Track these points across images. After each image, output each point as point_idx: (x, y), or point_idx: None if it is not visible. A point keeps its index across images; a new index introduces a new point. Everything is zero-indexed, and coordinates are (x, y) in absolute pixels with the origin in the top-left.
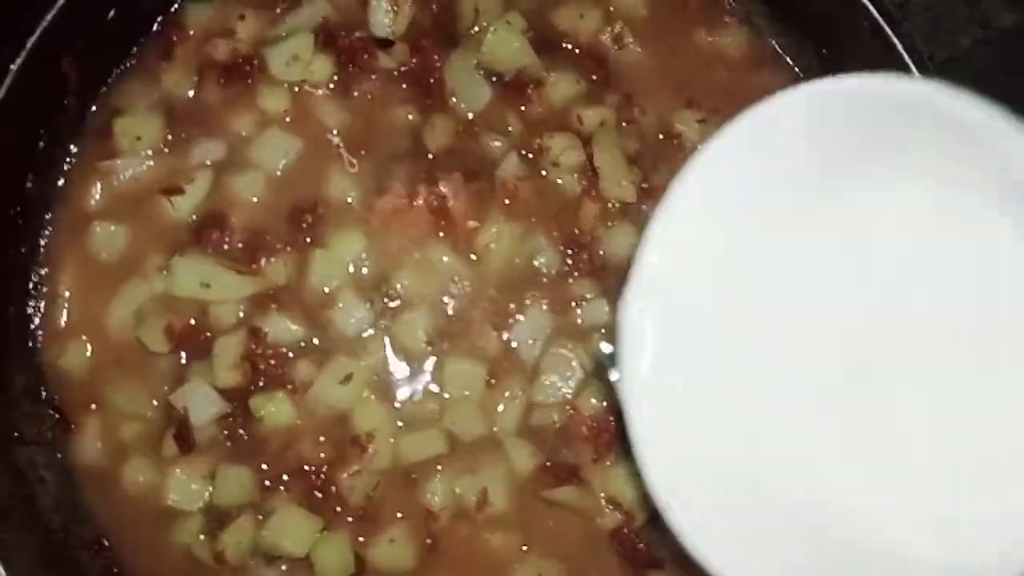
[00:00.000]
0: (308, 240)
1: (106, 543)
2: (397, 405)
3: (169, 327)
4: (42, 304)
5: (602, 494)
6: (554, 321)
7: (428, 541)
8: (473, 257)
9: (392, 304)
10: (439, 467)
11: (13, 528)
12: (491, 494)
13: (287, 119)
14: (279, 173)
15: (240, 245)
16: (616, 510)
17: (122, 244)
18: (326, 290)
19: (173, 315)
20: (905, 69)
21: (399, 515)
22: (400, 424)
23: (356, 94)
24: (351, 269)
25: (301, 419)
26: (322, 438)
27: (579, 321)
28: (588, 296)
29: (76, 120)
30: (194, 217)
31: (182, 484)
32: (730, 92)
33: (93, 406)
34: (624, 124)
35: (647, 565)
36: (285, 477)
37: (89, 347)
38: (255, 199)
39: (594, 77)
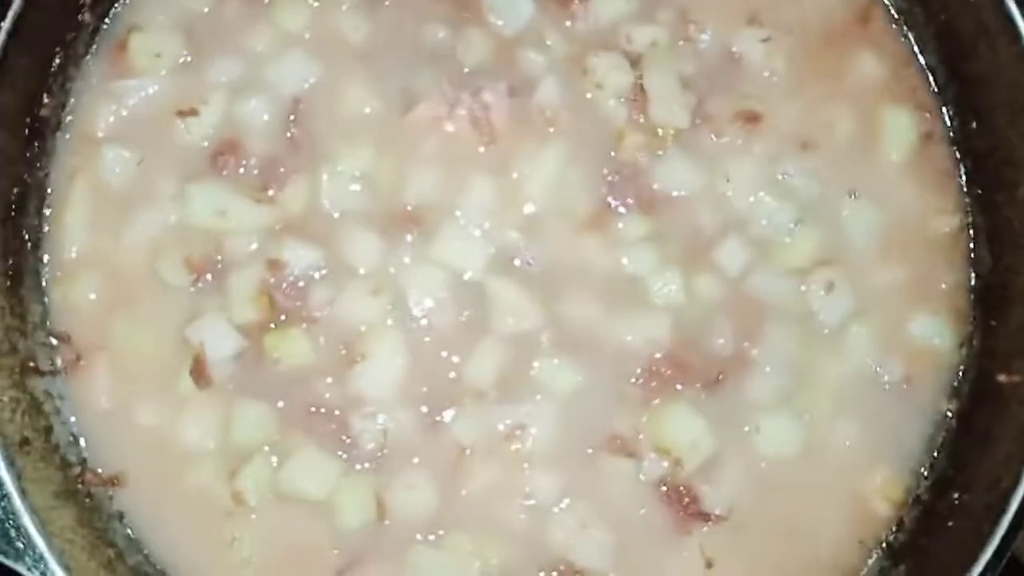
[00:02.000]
0: (320, 161)
1: (122, 481)
2: (427, 339)
3: (189, 258)
4: (51, 233)
5: (645, 438)
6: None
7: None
8: (515, 175)
9: (418, 229)
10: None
11: (32, 460)
12: (531, 428)
13: (307, 36)
14: (297, 96)
15: (256, 172)
16: (663, 457)
17: (134, 170)
18: (337, 215)
19: (189, 243)
20: None
21: (415, 460)
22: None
23: (384, 7)
24: (367, 189)
25: (318, 356)
26: (333, 378)
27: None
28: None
29: (89, 38)
30: (206, 143)
31: (198, 422)
32: (800, 9)
33: (103, 341)
34: (679, 44)
35: (693, 517)
36: (303, 417)
37: (99, 280)
38: (272, 123)
39: None
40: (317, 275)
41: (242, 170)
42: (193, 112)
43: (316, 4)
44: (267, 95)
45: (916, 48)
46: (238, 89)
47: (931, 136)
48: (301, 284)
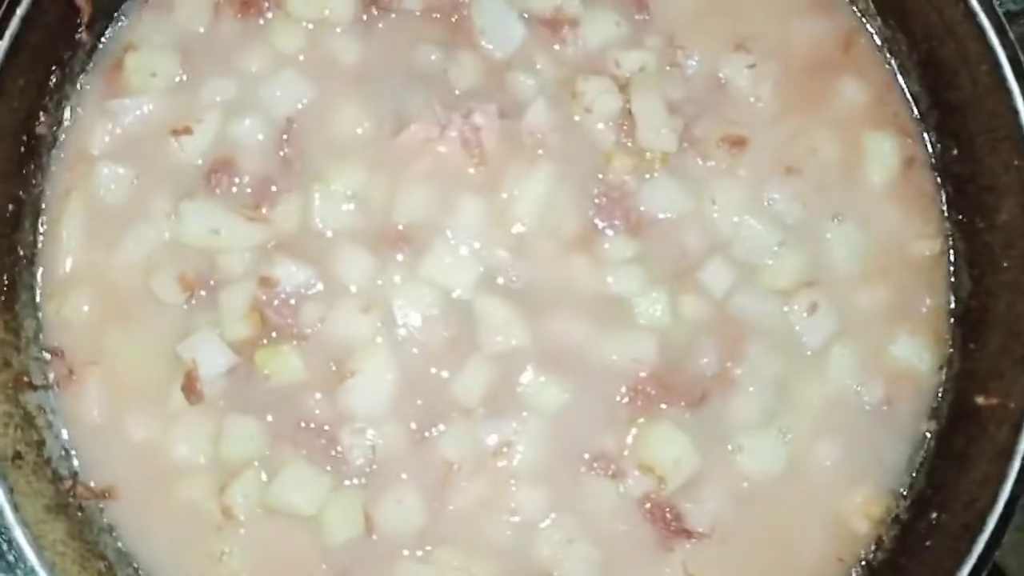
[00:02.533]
0: (312, 180)
1: (113, 494)
2: (416, 356)
3: (183, 276)
4: (45, 249)
5: (630, 456)
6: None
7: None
8: (504, 196)
9: (409, 248)
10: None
11: (24, 474)
12: (517, 445)
13: (301, 58)
14: (290, 116)
15: (249, 191)
16: (647, 475)
17: (128, 187)
18: (329, 234)
19: (182, 261)
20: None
21: (403, 476)
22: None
23: (378, 30)
24: (358, 208)
25: (309, 372)
26: (323, 394)
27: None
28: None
29: (86, 57)
30: (200, 162)
31: (188, 437)
32: (785, 35)
33: (96, 356)
34: (666, 68)
35: (676, 534)
36: (293, 433)
37: (92, 295)
38: (266, 142)
39: (635, 17)
40: (308, 292)
41: (235, 188)
42: (187, 131)
43: (310, 26)
44: (261, 115)
45: (899, 75)
46: (232, 109)
47: (913, 161)
48: (293, 301)
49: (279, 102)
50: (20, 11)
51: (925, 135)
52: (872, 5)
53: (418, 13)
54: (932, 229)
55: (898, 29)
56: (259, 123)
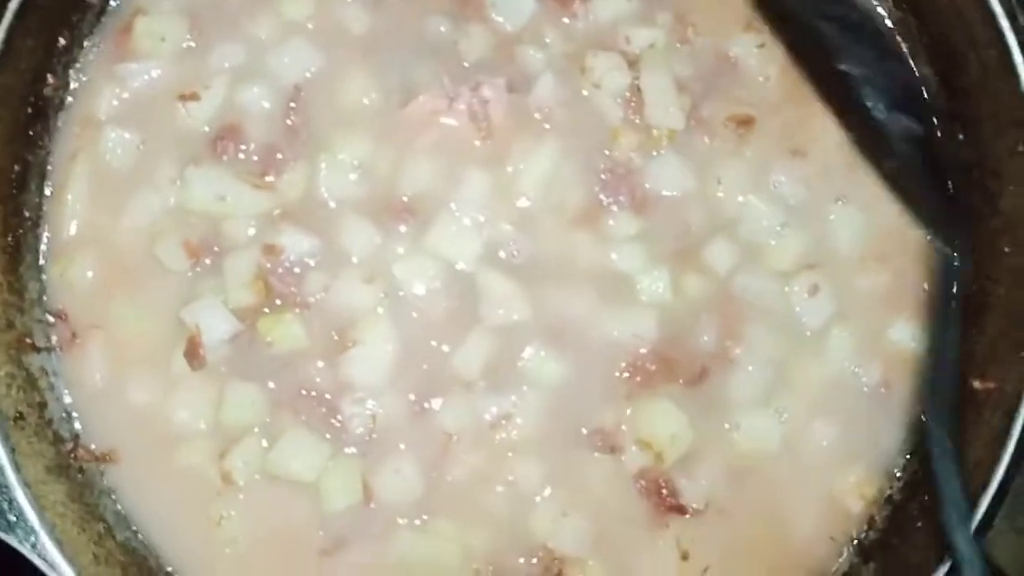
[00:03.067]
0: (319, 149)
1: (114, 457)
2: (418, 327)
3: (187, 242)
4: (50, 212)
5: (628, 431)
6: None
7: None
8: (510, 170)
9: (413, 220)
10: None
11: (26, 435)
12: (516, 418)
13: (309, 26)
14: (298, 84)
15: (256, 158)
16: (644, 450)
17: (134, 152)
18: (334, 204)
19: (188, 227)
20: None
21: (402, 446)
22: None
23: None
24: (364, 179)
25: (311, 341)
26: (325, 363)
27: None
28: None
29: (95, 20)
30: (207, 128)
31: (190, 402)
32: None
33: (99, 320)
34: (676, 46)
35: (671, 509)
36: (293, 400)
37: (96, 259)
38: (273, 110)
39: None
40: (312, 262)
41: (241, 155)
42: (194, 96)
43: None
44: (268, 82)
45: (909, 58)
46: (240, 75)
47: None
48: (296, 270)
49: (287, 70)
50: None
51: (933, 119)
52: None
53: None
54: None
55: (909, 12)
56: (266, 91)
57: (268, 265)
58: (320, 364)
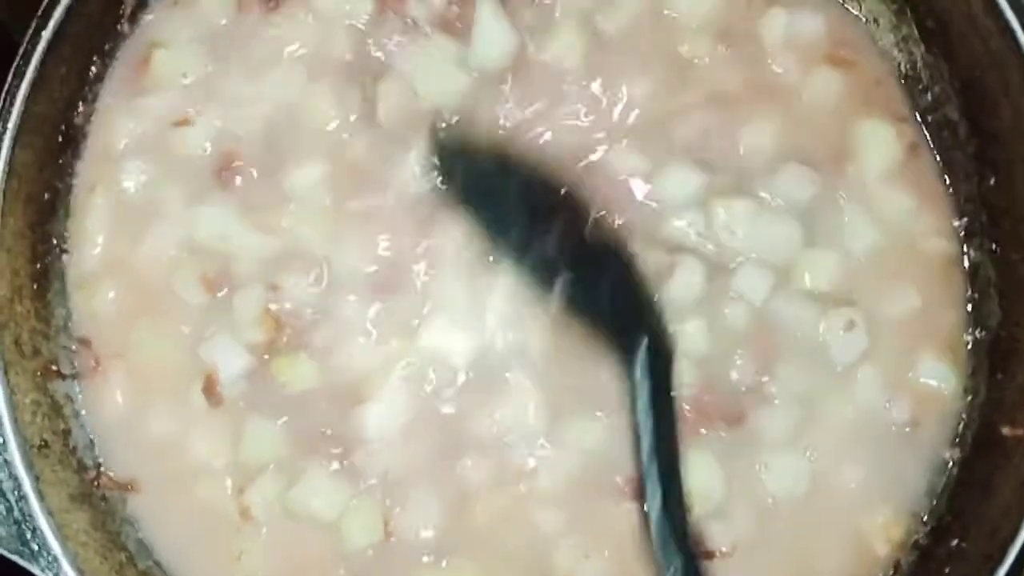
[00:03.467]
0: None
1: (136, 487)
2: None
3: (204, 276)
4: (75, 239)
5: None
6: None
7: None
8: None
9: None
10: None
11: (50, 463)
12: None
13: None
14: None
15: (262, 192)
16: None
17: (150, 183)
18: None
19: (203, 260)
20: None
21: (424, 488)
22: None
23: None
24: None
25: (326, 378)
26: (338, 411)
27: None
28: None
29: (120, 48)
30: (208, 148)
31: (208, 437)
32: None
33: (121, 349)
34: None
35: (697, 555)
36: (311, 439)
37: (119, 288)
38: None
39: None
40: (320, 307)
41: (239, 180)
42: (187, 122)
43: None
44: (265, 108)
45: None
46: (235, 103)
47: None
48: (308, 310)
49: (283, 98)
50: (65, 1)
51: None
52: (916, 30)
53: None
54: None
55: (940, 56)
56: (265, 118)
57: (274, 307)
58: (333, 410)
